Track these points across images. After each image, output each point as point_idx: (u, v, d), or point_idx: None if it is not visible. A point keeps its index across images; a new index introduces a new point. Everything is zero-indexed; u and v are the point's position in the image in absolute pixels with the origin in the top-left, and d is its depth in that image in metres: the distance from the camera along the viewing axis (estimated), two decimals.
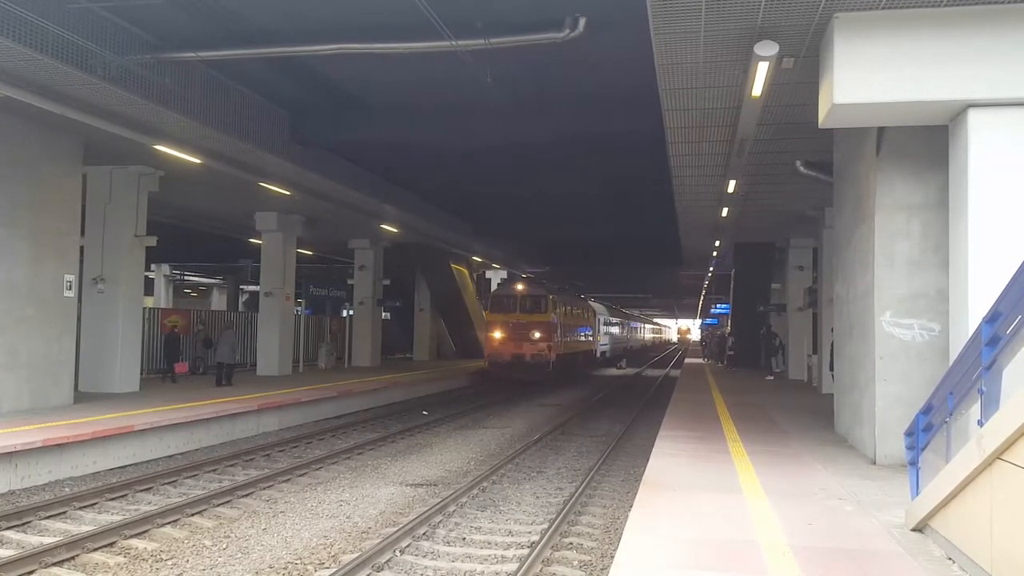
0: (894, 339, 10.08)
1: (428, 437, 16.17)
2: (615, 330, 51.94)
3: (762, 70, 9.39)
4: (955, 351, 7.94)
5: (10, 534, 8.53)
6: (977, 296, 7.94)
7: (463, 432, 17.00)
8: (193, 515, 9.40)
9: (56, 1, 10.36)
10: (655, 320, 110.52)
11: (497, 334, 29.28)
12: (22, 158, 14.06)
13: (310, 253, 35.50)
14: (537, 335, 28.85)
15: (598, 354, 42.49)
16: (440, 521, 9.23)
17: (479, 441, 15.80)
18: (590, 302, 42.65)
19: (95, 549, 7.96)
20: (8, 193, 13.85)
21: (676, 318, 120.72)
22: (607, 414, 21.28)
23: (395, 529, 8.62)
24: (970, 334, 6.24)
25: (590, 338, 39.41)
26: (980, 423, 5.44)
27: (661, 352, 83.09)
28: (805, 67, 9.59)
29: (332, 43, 11.45)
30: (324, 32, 11.55)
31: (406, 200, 24.47)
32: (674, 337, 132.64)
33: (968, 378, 5.93)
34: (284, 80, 14.63)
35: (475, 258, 37.64)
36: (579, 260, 43.14)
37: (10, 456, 10.48)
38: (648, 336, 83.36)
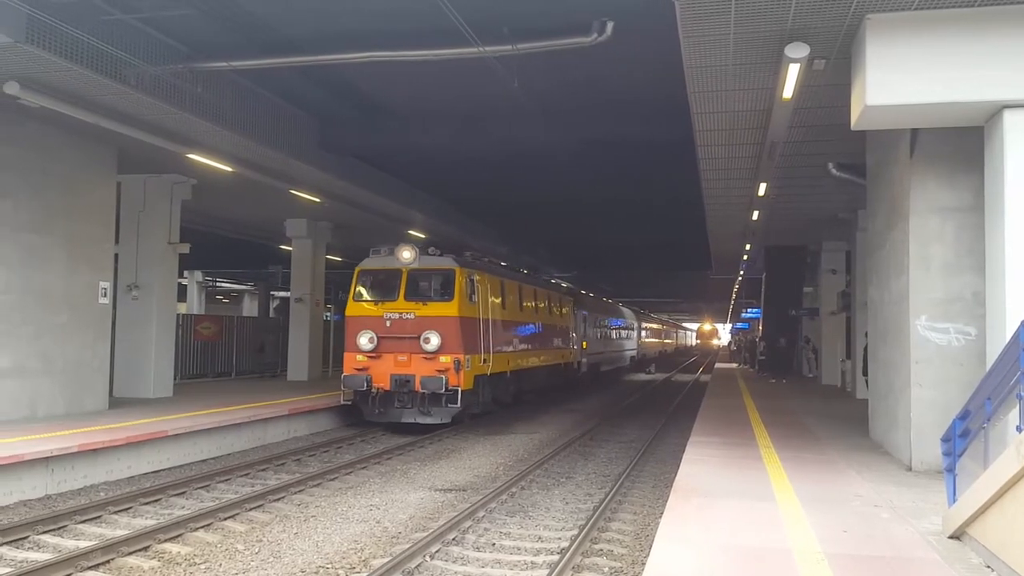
0: (930, 343, 9.93)
1: (456, 442, 16.18)
2: (614, 333, 39.52)
3: (793, 72, 9.30)
4: (992, 355, 7.80)
5: (47, 538, 8.66)
6: (1014, 299, 7.81)
7: (491, 438, 16.99)
8: (226, 519, 9.48)
9: (91, 14, 10.55)
10: (684, 324, 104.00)
11: (363, 341, 16.78)
12: (58, 167, 14.30)
13: (339, 259, 35.76)
14: (435, 342, 16.38)
15: (580, 366, 29.94)
16: (470, 526, 9.23)
17: (507, 446, 15.78)
18: (564, 288, 30.01)
19: (130, 553, 8.06)
20: (44, 201, 14.10)
21: (705, 322, 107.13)
22: (635, 419, 21.16)
23: (425, 534, 8.64)
24: (1008, 338, 6.14)
25: (563, 344, 26.62)
26: (1019, 429, 5.35)
27: (687, 358, 77.63)
28: (837, 69, 9.48)
29: (360, 51, 11.52)
30: (352, 40, 11.63)
31: (433, 206, 24.58)
32: (694, 341, 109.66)
33: (1006, 383, 5.83)
34: (313, 88, 14.76)
35: (501, 263, 37.61)
36: (607, 265, 42.81)
37: (47, 461, 10.66)
38: (659, 339, 67.08)
